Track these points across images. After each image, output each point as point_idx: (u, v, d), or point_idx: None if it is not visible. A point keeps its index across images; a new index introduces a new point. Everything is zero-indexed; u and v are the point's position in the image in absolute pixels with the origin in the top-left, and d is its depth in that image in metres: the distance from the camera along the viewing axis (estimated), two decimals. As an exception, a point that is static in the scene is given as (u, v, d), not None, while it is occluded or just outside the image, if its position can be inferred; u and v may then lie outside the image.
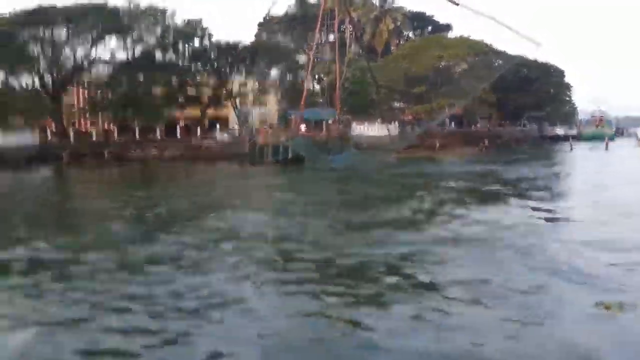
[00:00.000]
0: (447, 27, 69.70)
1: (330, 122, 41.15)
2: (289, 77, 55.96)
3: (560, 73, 73.73)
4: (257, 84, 53.97)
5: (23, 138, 42.37)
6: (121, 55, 49.50)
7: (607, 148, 49.88)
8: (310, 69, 41.67)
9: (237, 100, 58.55)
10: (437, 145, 48.85)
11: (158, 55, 50.35)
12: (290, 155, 33.12)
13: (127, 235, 12.10)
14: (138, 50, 49.80)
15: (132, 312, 6.85)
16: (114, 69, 49.52)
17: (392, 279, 8.12)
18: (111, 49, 49.14)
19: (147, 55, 49.08)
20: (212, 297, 7.38)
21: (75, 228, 13.76)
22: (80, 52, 48.80)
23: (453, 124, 66.97)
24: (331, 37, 48.03)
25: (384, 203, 17.37)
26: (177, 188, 25.24)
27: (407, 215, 14.70)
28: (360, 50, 54.19)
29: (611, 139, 62.22)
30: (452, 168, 32.05)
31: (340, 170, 29.31)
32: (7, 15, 44.36)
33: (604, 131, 70.75)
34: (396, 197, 19.15)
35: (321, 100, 45.02)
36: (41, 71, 47.71)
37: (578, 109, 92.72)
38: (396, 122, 50.57)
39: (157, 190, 23.29)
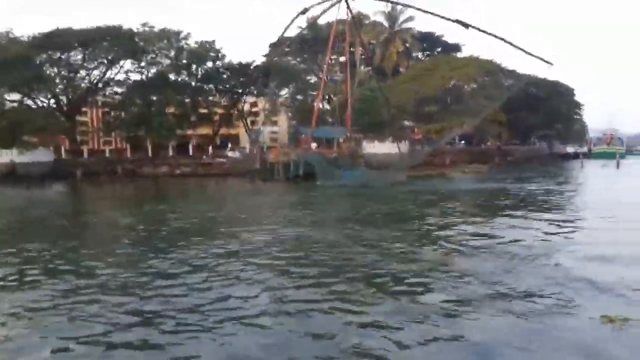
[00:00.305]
0: (457, 47, 69.83)
1: (341, 140, 41.52)
2: (299, 97, 56.46)
3: (570, 91, 73.65)
4: (268, 103, 54.52)
5: (37, 156, 43.16)
6: (135, 77, 50.45)
7: (618, 166, 49.57)
8: (321, 89, 42.15)
9: (248, 120, 59.21)
10: (448, 162, 49.07)
11: (171, 75, 51.14)
12: (301, 172, 33.37)
13: (139, 250, 12.19)
14: (152, 71, 50.67)
15: (142, 327, 6.90)
16: (128, 89, 50.37)
17: (405, 295, 8.11)
18: (126, 71, 50.21)
19: (161, 76, 49.86)
20: (223, 312, 7.43)
21: (87, 243, 13.89)
22: (95, 73, 49.89)
23: (463, 142, 67.05)
24: (342, 59, 48.60)
25: (395, 219, 17.40)
26: (189, 204, 25.50)
27: (419, 230, 14.79)
28: (370, 71, 54.65)
29: (622, 157, 61.93)
30: (463, 185, 32.02)
31: (351, 186, 29.39)
32: (26, 39, 45.44)
33: (615, 149, 70.52)
34: (408, 213, 19.21)
35: (331, 120, 45.45)
36: (57, 92, 48.72)
37: (589, 127, 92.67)
38: (406, 141, 50.78)
39: (169, 206, 23.54)
